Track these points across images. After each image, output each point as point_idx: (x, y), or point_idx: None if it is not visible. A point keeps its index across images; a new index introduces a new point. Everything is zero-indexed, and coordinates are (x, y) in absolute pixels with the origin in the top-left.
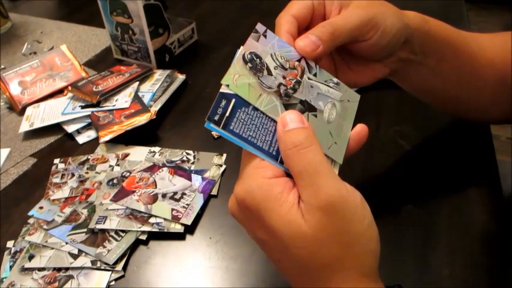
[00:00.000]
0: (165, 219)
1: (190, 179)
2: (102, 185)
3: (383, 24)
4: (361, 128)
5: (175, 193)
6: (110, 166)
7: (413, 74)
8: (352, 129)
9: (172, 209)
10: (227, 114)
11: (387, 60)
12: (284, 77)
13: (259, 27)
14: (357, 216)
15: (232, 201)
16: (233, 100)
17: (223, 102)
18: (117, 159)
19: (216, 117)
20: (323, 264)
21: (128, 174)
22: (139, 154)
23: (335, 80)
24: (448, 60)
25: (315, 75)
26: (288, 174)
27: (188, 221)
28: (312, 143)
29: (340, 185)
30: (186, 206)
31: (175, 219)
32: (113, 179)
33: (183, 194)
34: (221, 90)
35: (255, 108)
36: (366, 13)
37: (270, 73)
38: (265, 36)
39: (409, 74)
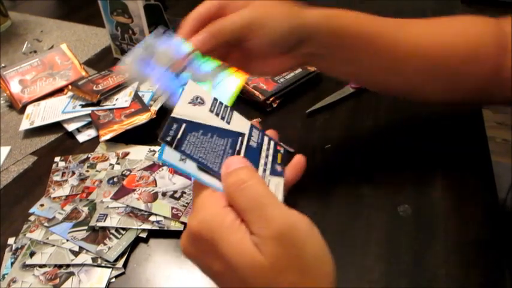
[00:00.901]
0: (165, 217)
1: (189, 178)
2: (102, 183)
3: (265, 26)
4: (298, 158)
5: (175, 192)
6: (110, 165)
7: (325, 64)
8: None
9: (172, 208)
10: (178, 136)
11: (289, 54)
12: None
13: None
14: (309, 241)
15: (184, 238)
16: (184, 125)
17: (174, 126)
18: (118, 158)
19: (168, 138)
20: None
21: (128, 172)
22: (139, 153)
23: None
24: (362, 50)
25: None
26: None
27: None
28: (252, 176)
29: (288, 213)
30: (186, 205)
31: (175, 217)
32: (113, 178)
33: (183, 192)
34: (172, 115)
35: (204, 133)
36: (249, 16)
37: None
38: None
39: (321, 64)
